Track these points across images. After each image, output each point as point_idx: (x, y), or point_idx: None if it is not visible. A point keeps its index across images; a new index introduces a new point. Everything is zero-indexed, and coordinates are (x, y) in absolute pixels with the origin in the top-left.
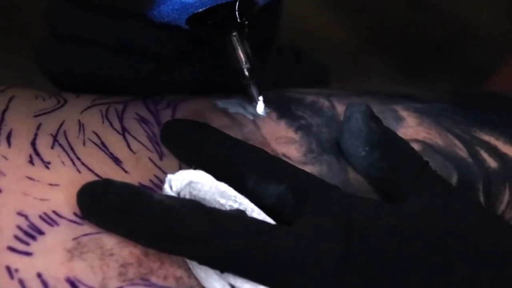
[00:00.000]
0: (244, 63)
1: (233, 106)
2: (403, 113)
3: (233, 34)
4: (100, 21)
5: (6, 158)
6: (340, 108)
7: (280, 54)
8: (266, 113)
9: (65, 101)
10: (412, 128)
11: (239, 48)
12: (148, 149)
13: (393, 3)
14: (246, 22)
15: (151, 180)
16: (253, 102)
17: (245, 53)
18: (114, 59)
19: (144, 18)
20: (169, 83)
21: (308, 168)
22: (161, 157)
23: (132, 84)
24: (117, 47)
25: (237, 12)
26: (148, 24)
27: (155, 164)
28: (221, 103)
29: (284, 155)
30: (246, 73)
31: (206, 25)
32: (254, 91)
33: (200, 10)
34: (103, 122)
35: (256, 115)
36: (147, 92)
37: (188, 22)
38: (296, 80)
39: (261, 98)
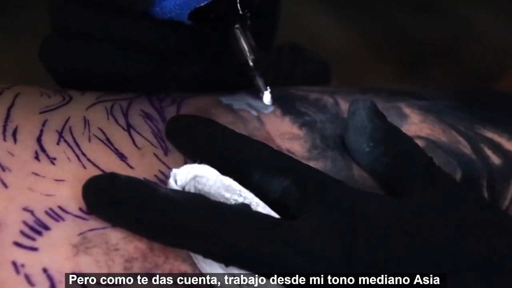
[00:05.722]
0: (248, 54)
1: (237, 103)
2: (407, 110)
3: (236, 26)
4: (103, 18)
5: (12, 154)
6: (344, 105)
7: (280, 53)
8: (271, 109)
9: (70, 98)
10: (415, 124)
11: (242, 40)
12: (153, 144)
13: (394, 4)
14: (248, 14)
15: (156, 176)
16: (260, 93)
17: (249, 45)
18: (118, 56)
19: (146, 15)
20: (174, 79)
21: (312, 164)
22: (166, 152)
23: (136, 81)
24: (121, 44)
25: (238, 4)
26: (151, 21)
27: (160, 160)
28: (225, 100)
29: (289, 150)
30: (251, 64)
31: (209, 19)
32: (260, 82)
33: (202, 4)
34: (108, 118)
35: (260, 110)
36: (151, 88)
37: (190, 17)
38: (297, 78)
39: (268, 88)
